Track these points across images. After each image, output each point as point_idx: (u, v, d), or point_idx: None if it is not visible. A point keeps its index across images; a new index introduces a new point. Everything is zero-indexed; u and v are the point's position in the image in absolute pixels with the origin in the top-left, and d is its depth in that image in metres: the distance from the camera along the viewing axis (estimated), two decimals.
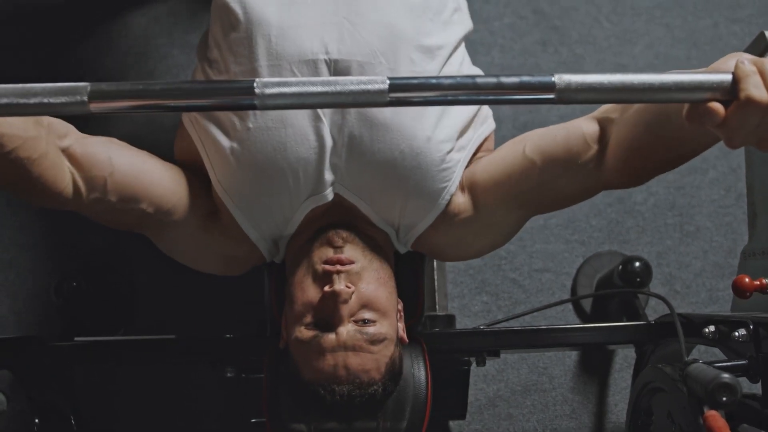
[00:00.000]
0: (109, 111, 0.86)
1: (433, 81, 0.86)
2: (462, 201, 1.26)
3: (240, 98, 0.86)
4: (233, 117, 1.20)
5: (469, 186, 1.26)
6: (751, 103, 0.84)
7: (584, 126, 1.20)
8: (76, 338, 1.51)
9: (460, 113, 1.27)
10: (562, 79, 0.85)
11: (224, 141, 1.21)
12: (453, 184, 1.25)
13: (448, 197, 1.25)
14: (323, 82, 0.85)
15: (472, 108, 1.29)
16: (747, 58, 0.87)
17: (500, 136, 1.88)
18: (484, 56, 2.05)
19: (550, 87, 0.85)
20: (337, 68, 1.19)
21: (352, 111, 1.19)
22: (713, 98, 0.85)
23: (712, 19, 2.12)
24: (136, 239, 1.81)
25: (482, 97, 0.87)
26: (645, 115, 1.10)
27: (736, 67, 0.86)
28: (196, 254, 1.33)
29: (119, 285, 1.91)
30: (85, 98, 0.85)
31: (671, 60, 2.09)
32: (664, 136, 1.08)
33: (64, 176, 1.13)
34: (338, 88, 0.85)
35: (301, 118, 1.18)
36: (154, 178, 1.21)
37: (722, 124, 0.87)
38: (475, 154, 1.30)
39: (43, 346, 1.44)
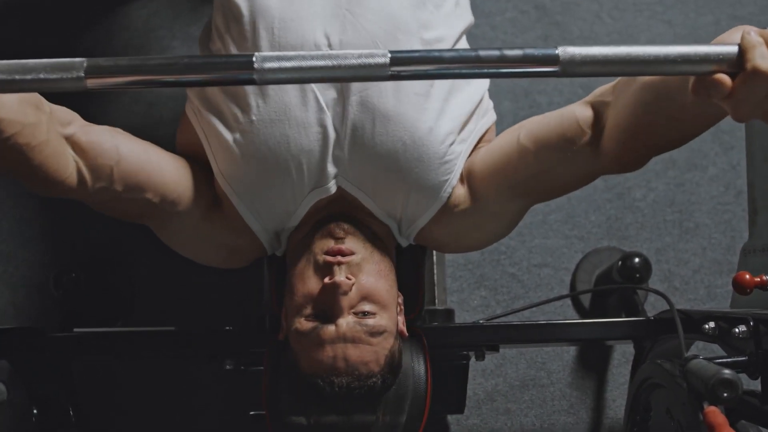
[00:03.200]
0: (106, 87, 0.84)
1: (436, 54, 0.85)
2: (461, 192, 1.26)
3: (239, 73, 0.85)
4: (235, 109, 1.20)
5: (467, 177, 1.26)
6: (757, 73, 0.83)
7: (578, 111, 1.17)
8: (74, 330, 1.51)
9: (462, 105, 1.26)
10: (566, 51, 0.83)
11: (227, 134, 1.20)
12: (454, 177, 1.25)
13: (449, 190, 1.25)
14: (323, 56, 0.84)
15: (474, 100, 1.29)
16: (753, 29, 0.86)
17: (500, 132, 1.88)
18: None
19: (554, 60, 0.84)
20: None
21: (354, 102, 1.19)
22: (719, 70, 0.84)
23: (713, 16, 2.12)
24: (135, 232, 1.81)
25: (485, 71, 0.85)
26: (644, 95, 1.07)
27: (743, 38, 0.85)
28: (198, 245, 1.32)
29: (118, 277, 1.90)
30: (82, 74, 0.83)
31: None
32: (665, 116, 1.06)
33: (67, 164, 1.11)
34: (339, 62, 0.84)
35: (304, 109, 1.19)
36: (160, 167, 1.20)
37: (729, 97, 0.85)
38: (476, 146, 1.30)
39: (41, 338, 1.44)
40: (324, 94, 1.20)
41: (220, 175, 1.24)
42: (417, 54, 0.85)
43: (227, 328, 1.51)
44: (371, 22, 1.21)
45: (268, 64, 0.84)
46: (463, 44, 1.35)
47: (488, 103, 1.36)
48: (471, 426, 1.90)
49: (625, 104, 1.11)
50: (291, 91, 1.19)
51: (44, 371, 1.44)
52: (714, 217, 2.01)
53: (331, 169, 1.23)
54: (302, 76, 0.85)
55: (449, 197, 1.26)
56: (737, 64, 0.84)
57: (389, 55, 0.84)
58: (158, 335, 1.51)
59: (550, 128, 1.18)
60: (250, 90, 1.19)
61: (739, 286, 1.17)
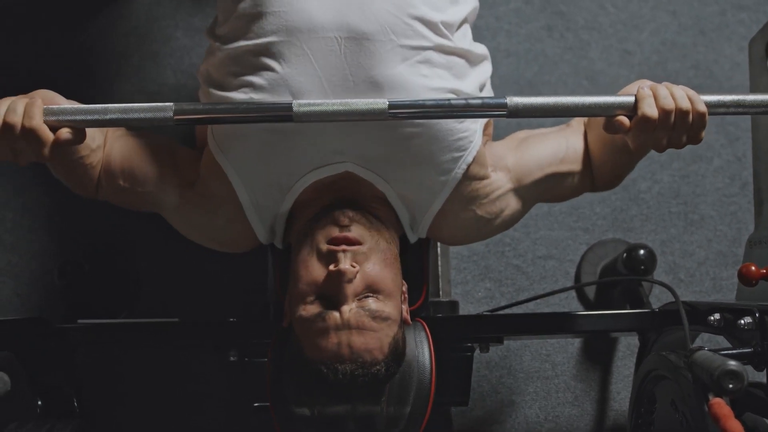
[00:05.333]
0: (187, 122, 1.13)
1: (420, 102, 1.15)
2: (496, 178, 1.30)
3: (282, 114, 1.12)
4: (246, 81, 1.21)
5: (505, 166, 1.31)
6: (645, 118, 1.13)
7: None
8: (79, 320, 1.51)
9: (469, 84, 1.29)
10: (512, 100, 1.13)
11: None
12: (470, 154, 1.26)
13: (464, 166, 1.26)
14: (341, 103, 1.12)
15: (478, 83, 1.32)
16: (647, 84, 1.15)
17: (504, 121, 1.87)
18: (490, 41, 2.04)
19: (503, 106, 1.13)
20: (347, 45, 1.19)
21: (364, 88, 1.19)
22: (621, 113, 1.15)
23: (719, 6, 2.11)
24: (140, 222, 1.81)
25: (455, 113, 1.16)
26: (599, 130, 1.32)
27: (638, 91, 1.14)
28: (186, 228, 1.35)
29: (123, 268, 1.91)
30: (171, 114, 1.11)
31: (677, 47, 2.08)
32: (614, 145, 1.28)
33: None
34: (352, 107, 1.12)
35: (310, 91, 1.19)
36: (127, 153, 1.30)
37: (628, 133, 1.16)
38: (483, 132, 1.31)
39: (46, 328, 1.44)
40: (330, 80, 1.19)
41: (214, 145, 1.25)
42: (407, 102, 1.14)
43: (231, 319, 1.51)
44: (380, 6, 1.20)
45: (302, 109, 1.11)
46: (467, 30, 1.35)
47: (490, 93, 1.37)
48: (475, 418, 1.90)
49: (590, 136, 1.35)
50: (298, 77, 1.19)
51: (48, 362, 1.44)
52: (719, 209, 2.00)
53: (337, 152, 1.23)
54: (325, 117, 1.12)
55: (475, 181, 1.28)
56: (633, 109, 1.14)
57: (387, 102, 1.12)
58: (162, 326, 1.51)
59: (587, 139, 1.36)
60: (261, 69, 1.20)
61: (744, 278, 1.17)
